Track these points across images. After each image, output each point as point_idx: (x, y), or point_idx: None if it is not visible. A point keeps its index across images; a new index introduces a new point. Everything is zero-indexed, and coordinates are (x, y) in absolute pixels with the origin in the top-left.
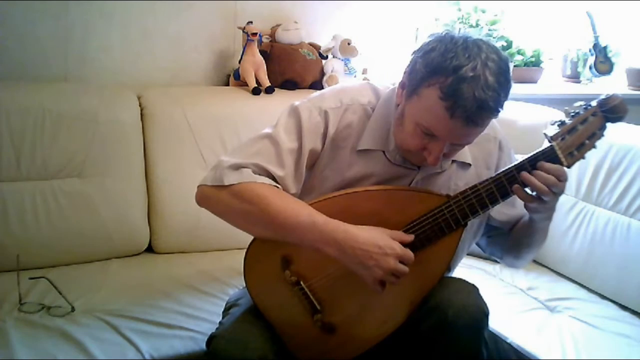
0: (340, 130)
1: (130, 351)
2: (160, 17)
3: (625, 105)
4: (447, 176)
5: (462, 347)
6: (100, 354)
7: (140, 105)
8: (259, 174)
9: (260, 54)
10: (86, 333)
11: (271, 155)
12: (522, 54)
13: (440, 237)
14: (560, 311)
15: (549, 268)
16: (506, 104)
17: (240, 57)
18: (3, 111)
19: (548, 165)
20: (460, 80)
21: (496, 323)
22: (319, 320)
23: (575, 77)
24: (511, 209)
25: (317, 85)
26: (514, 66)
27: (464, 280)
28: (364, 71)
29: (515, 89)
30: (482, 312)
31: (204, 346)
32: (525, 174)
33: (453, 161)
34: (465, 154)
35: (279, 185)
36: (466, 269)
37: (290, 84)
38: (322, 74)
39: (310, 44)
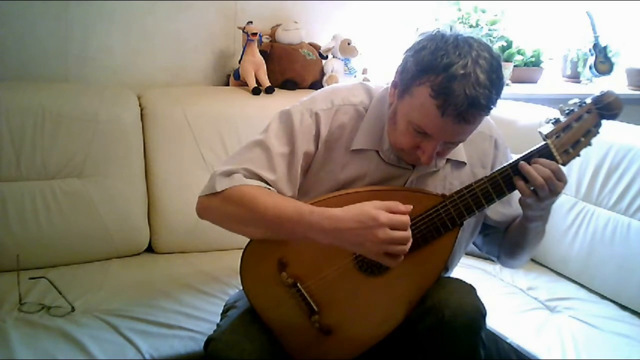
0: (333, 132)
1: (130, 351)
2: (160, 17)
3: (620, 101)
4: (442, 175)
5: (459, 347)
6: (100, 354)
7: (140, 105)
8: (250, 178)
9: (260, 54)
10: (86, 333)
11: (262, 161)
12: (522, 54)
13: (436, 236)
14: (560, 311)
15: (549, 268)
16: (504, 103)
17: (240, 57)
18: (3, 111)
19: (543, 160)
20: (451, 78)
21: (496, 323)
22: (317, 322)
23: (575, 77)
24: (507, 207)
25: (317, 85)
26: (514, 66)
27: (462, 281)
28: (364, 71)
29: (515, 89)
30: (479, 312)
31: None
32: (523, 163)
33: (448, 160)
34: (460, 152)
35: (271, 188)
36: (466, 269)
37: (290, 84)
38: (322, 74)
39: (310, 44)
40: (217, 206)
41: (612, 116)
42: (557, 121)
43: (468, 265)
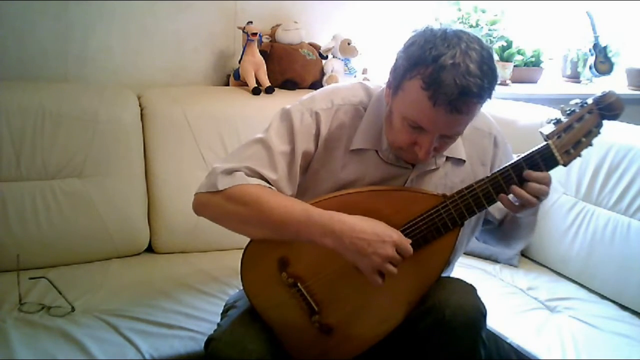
0: (333, 131)
1: (130, 351)
2: (160, 17)
3: (622, 102)
4: (441, 173)
5: (459, 347)
6: (100, 354)
7: (140, 105)
8: (252, 177)
9: (260, 54)
10: (86, 333)
11: (264, 159)
12: (522, 54)
13: (437, 237)
14: (560, 311)
15: (549, 268)
16: (504, 103)
17: (240, 57)
18: (3, 111)
19: (536, 174)
20: (440, 69)
21: (496, 323)
22: (317, 321)
23: (575, 77)
24: None
25: (317, 85)
26: (514, 66)
27: (462, 280)
28: (364, 71)
29: (515, 89)
30: (479, 312)
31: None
32: (516, 188)
33: (447, 158)
34: (459, 150)
35: (272, 187)
36: (466, 269)
37: (290, 84)
38: (322, 74)
39: (310, 44)
40: (219, 204)
41: (614, 116)
42: (558, 121)
43: (468, 265)
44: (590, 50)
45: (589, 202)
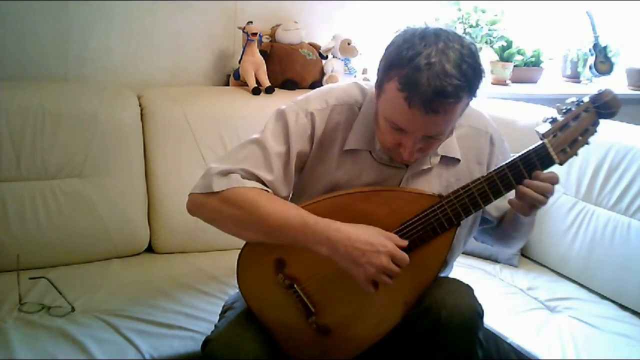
0: (328, 131)
1: (130, 351)
2: (160, 17)
3: (618, 100)
4: (436, 173)
5: (456, 348)
6: (100, 354)
7: (140, 105)
8: (248, 179)
9: (260, 54)
10: (86, 333)
11: (259, 160)
12: (522, 54)
13: (433, 237)
14: (560, 311)
15: (549, 268)
16: (504, 103)
17: (240, 57)
18: (3, 111)
19: (544, 174)
20: (415, 69)
21: (496, 323)
22: (314, 323)
23: (575, 77)
24: (502, 201)
25: (317, 85)
26: (514, 66)
27: (459, 281)
28: (364, 71)
29: (515, 89)
30: (476, 313)
31: None
32: (523, 188)
33: (442, 157)
34: (453, 148)
35: (268, 189)
36: (466, 269)
37: (290, 84)
38: (322, 74)
39: (310, 44)
40: (214, 206)
41: (610, 115)
42: (554, 120)
43: (468, 265)
44: (590, 50)
45: (589, 202)
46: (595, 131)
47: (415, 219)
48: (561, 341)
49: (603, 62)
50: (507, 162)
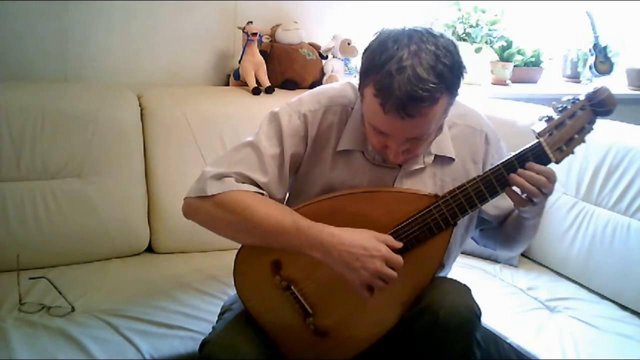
0: (322, 132)
1: (130, 351)
2: (160, 17)
3: (614, 98)
4: (431, 172)
5: (454, 348)
6: (100, 354)
7: (140, 105)
8: (242, 182)
9: (260, 54)
10: (86, 333)
11: (253, 163)
12: (522, 54)
13: (430, 237)
14: (560, 311)
15: (549, 268)
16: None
17: (240, 57)
18: (3, 111)
19: (538, 166)
20: (387, 75)
21: (496, 323)
22: (312, 324)
23: (575, 77)
24: (502, 200)
25: (317, 85)
26: (514, 66)
27: (456, 281)
28: None
29: (515, 89)
30: (473, 313)
31: None
32: (514, 176)
33: (435, 156)
34: (448, 148)
35: (263, 192)
36: (466, 269)
37: (290, 84)
38: (322, 74)
39: (310, 44)
40: (208, 210)
41: (606, 112)
42: (550, 119)
43: (468, 265)
44: (590, 50)
45: (589, 202)
46: (592, 129)
47: (412, 219)
48: (561, 341)
49: (603, 62)
50: (502, 161)
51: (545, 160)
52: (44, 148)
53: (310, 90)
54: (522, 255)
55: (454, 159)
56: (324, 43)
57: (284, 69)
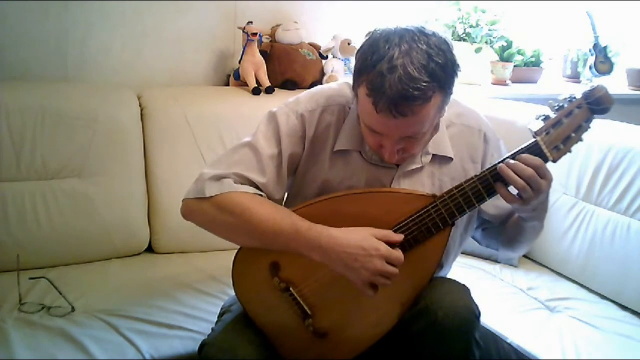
0: (320, 132)
1: (130, 351)
2: (161, 17)
3: (611, 96)
4: (429, 172)
5: (453, 349)
6: (100, 354)
7: (140, 105)
8: (241, 183)
9: (260, 54)
10: (86, 333)
11: (252, 163)
12: (522, 54)
13: (428, 237)
14: (560, 311)
15: (549, 268)
16: (504, 103)
17: (240, 57)
18: (3, 111)
19: (525, 156)
20: (378, 75)
21: (496, 323)
22: (310, 325)
23: (575, 77)
24: (501, 200)
25: (317, 85)
26: (514, 66)
27: (455, 281)
28: None
29: (515, 89)
30: (472, 313)
31: None
32: (502, 166)
33: (433, 156)
34: (445, 147)
35: (262, 193)
36: (466, 269)
37: (290, 84)
38: (322, 74)
39: (310, 44)
40: (207, 211)
41: (603, 110)
42: (546, 117)
43: (468, 265)
44: (590, 50)
45: (589, 202)
46: (589, 127)
47: (410, 219)
48: (561, 341)
49: (603, 62)
50: (499, 160)
51: (543, 159)
52: (44, 148)
53: (309, 89)
54: (522, 255)
55: (452, 159)
56: (324, 43)
57: (284, 69)
